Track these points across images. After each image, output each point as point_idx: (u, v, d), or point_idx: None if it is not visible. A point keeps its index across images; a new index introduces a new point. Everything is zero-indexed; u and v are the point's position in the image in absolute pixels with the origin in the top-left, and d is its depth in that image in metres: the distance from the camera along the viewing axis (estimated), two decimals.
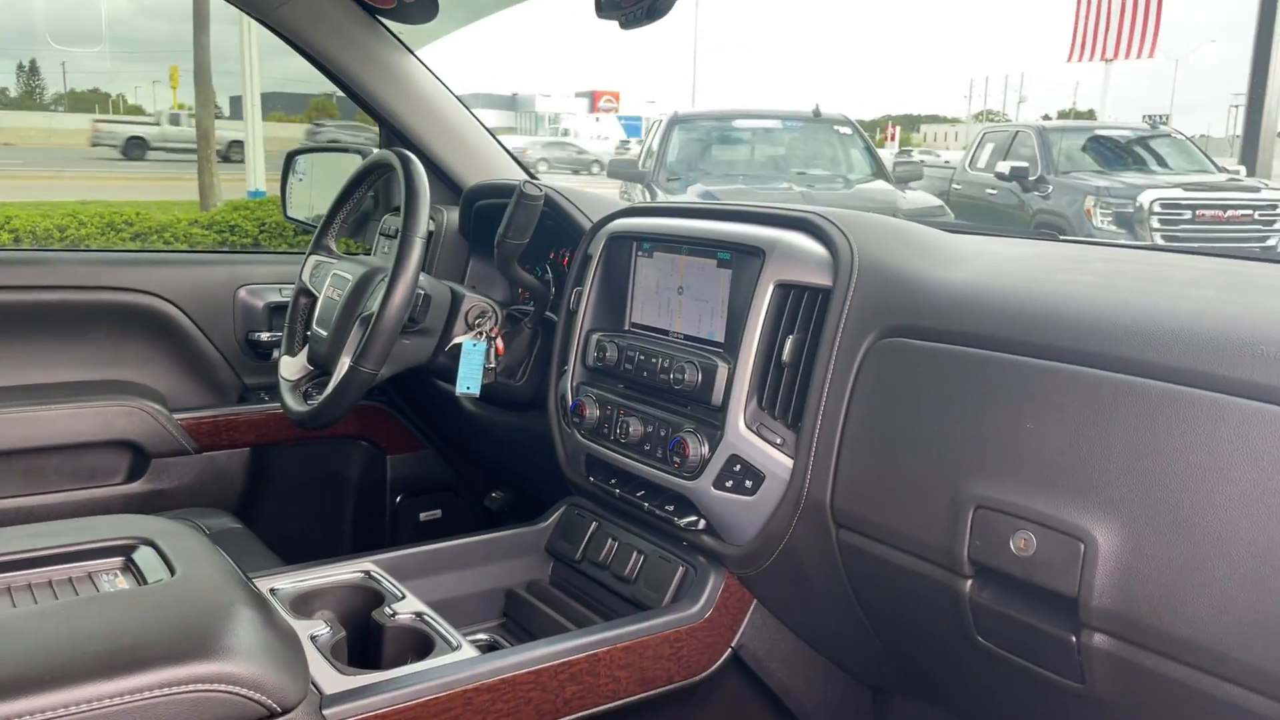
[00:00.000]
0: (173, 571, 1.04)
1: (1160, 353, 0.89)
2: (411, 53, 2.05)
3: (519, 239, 1.58)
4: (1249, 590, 0.81)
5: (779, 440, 1.23)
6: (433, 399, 2.08)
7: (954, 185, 10.69)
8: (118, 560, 1.09)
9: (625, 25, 1.39)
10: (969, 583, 1.03)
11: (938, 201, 8.15)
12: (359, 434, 2.21)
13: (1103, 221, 8.54)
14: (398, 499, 2.27)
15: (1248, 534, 0.82)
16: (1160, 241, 8.14)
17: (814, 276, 1.22)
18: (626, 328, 1.50)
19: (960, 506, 1.01)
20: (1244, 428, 0.83)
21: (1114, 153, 9.92)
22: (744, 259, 1.30)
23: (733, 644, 1.33)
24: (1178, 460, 0.86)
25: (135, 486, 1.96)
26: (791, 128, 8.72)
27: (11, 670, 0.83)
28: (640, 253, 1.48)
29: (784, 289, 1.25)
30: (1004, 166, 9.58)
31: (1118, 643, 0.90)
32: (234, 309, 2.12)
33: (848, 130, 8.56)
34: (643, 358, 1.41)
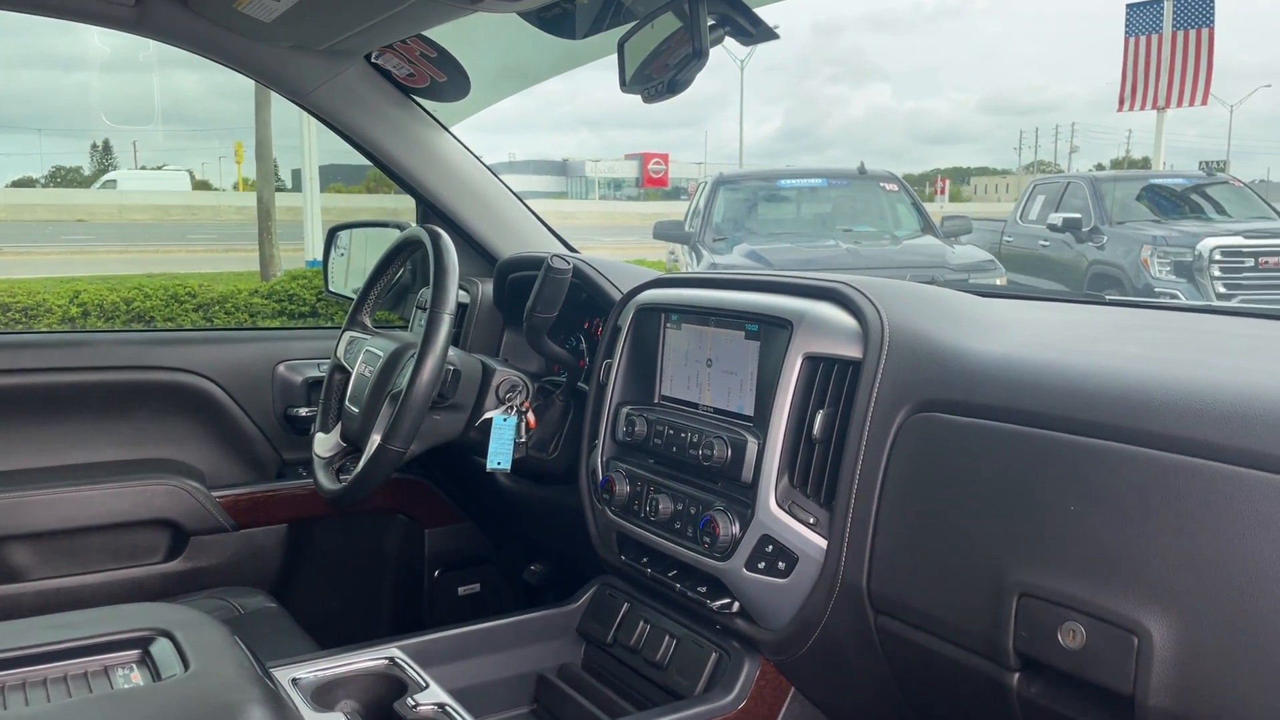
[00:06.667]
0: (187, 666, 1.02)
1: (1215, 431, 0.83)
2: (446, 129, 2.08)
3: (547, 313, 1.56)
4: None
5: (812, 520, 1.18)
6: (469, 472, 2.06)
7: (1005, 238, 10.55)
8: (134, 654, 1.07)
9: (648, 99, 1.38)
10: (1016, 676, 0.96)
11: (988, 255, 8.04)
12: (396, 508, 2.20)
13: (1161, 271, 8.34)
14: (436, 573, 2.24)
15: None
16: (1222, 290, 7.93)
17: (843, 348, 1.18)
18: (656, 401, 1.47)
19: (1003, 594, 0.95)
20: None
21: (1170, 201, 9.72)
22: (772, 330, 1.27)
23: None
24: (1238, 548, 0.80)
25: (174, 565, 1.96)
26: (837, 185, 8.71)
27: None
28: (669, 324, 1.46)
29: (813, 361, 1.20)
30: (1056, 218, 9.45)
31: None
32: (273, 385, 2.13)
33: (894, 187, 8.53)
34: (672, 432, 1.37)
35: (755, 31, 1.34)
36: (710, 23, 1.30)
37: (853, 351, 1.17)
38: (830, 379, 1.19)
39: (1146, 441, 0.87)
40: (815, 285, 1.27)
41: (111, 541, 1.91)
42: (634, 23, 1.42)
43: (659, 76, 1.39)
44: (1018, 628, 0.94)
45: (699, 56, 1.23)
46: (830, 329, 1.20)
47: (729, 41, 1.38)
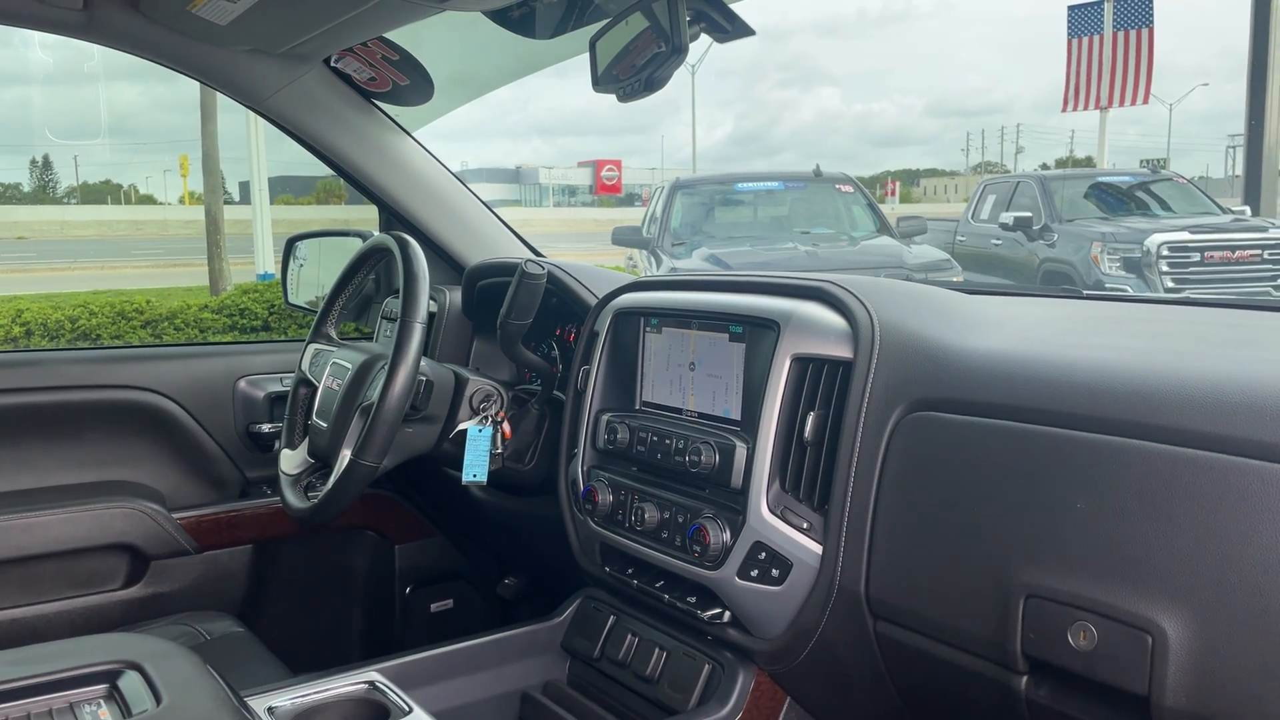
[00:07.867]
0: (159, 700, 0.96)
1: (1225, 424, 0.81)
2: (408, 134, 2.03)
3: (522, 319, 1.52)
4: None
5: (806, 525, 1.15)
6: (440, 485, 2.01)
7: (958, 237, 10.69)
8: (101, 688, 1.01)
9: (623, 98, 1.35)
10: (1024, 679, 0.94)
11: (944, 255, 8.14)
12: (365, 524, 2.14)
13: (1110, 267, 8.50)
14: (407, 590, 2.18)
15: None
16: (1171, 284, 8.10)
17: (833, 349, 1.16)
18: (638, 407, 1.43)
19: (1009, 595, 0.93)
20: None
21: (1117, 199, 9.93)
22: (758, 332, 1.24)
23: None
24: (1251, 542, 0.78)
25: (134, 591, 1.88)
26: (793, 188, 8.76)
27: None
28: (649, 328, 1.42)
29: (802, 363, 1.18)
30: (1007, 217, 9.59)
31: None
32: (234, 401, 2.06)
33: (849, 188, 8.59)
34: (656, 439, 1.33)
35: (731, 28, 1.31)
36: (685, 18, 1.27)
37: (843, 351, 1.15)
38: (820, 380, 1.16)
39: (1153, 436, 0.85)
40: (801, 285, 1.25)
41: (68, 568, 1.83)
42: (603, 21, 1.39)
43: (628, 76, 1.36)
44: (1025, 630, 0.92)
45: (678, 53, 1.20)
46: (819, 329, 1.17)
47: None
